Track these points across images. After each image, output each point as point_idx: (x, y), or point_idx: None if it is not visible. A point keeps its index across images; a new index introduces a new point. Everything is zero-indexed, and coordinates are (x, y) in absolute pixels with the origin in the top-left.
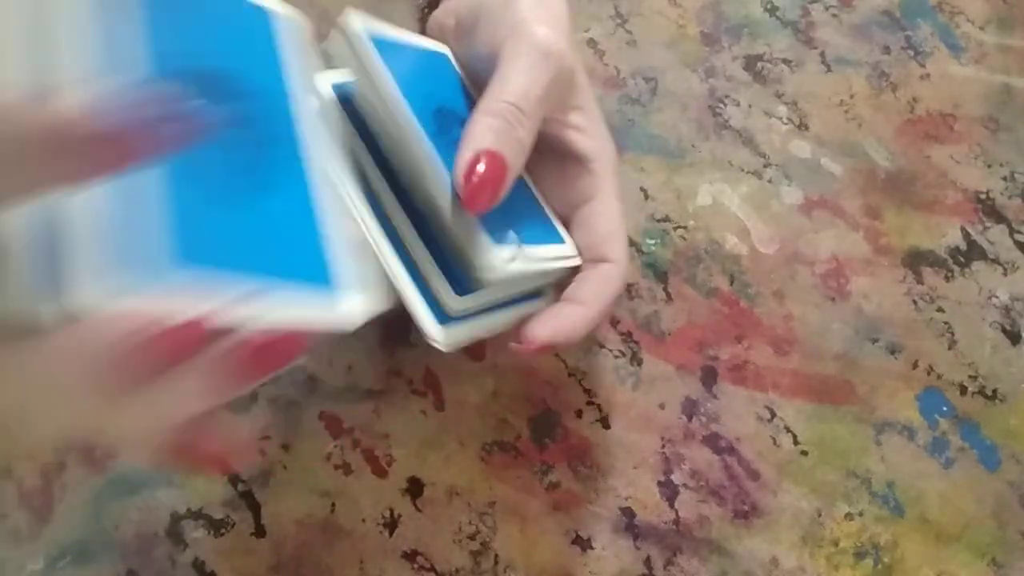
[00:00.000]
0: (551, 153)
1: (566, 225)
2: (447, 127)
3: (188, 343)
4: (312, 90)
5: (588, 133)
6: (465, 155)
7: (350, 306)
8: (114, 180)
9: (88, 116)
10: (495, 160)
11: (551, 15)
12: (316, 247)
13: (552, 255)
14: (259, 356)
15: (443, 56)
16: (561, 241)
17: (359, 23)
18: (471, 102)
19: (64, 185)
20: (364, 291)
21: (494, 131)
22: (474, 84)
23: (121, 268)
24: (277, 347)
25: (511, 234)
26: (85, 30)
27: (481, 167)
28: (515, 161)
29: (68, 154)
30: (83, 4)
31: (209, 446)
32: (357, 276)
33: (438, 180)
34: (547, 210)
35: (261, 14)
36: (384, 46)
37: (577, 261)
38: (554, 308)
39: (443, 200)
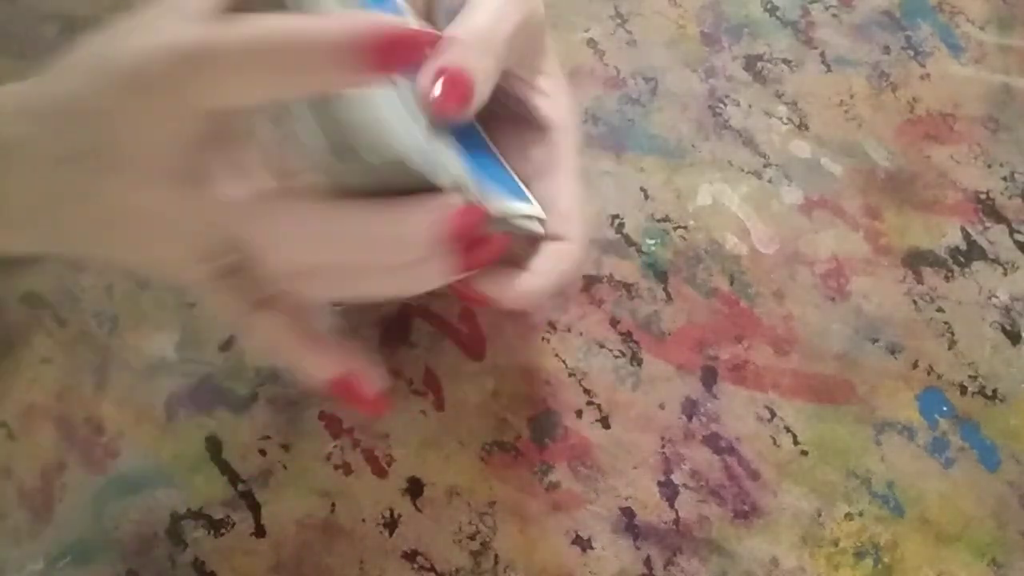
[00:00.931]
0: (511, 118)
1: None
2: None
3: (479, 222)
4: None
5: (553, 100)
6: (429, 67)
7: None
8: None
9: (389, 22)
10: (461, 74)
11: None
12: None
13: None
14: (475, 245)
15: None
16: (527, 200)
17: None
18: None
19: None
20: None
21: (460, 48)
22: None
23: None
24: (489, 245)
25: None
26: None
27: (443, 81)
28: (480, 82)
29: (384, 53)
30: None
31: (364, 386)
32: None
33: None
34: (510, 171)
35: None
36: None
37: (539, 223)
38: (503, 270)
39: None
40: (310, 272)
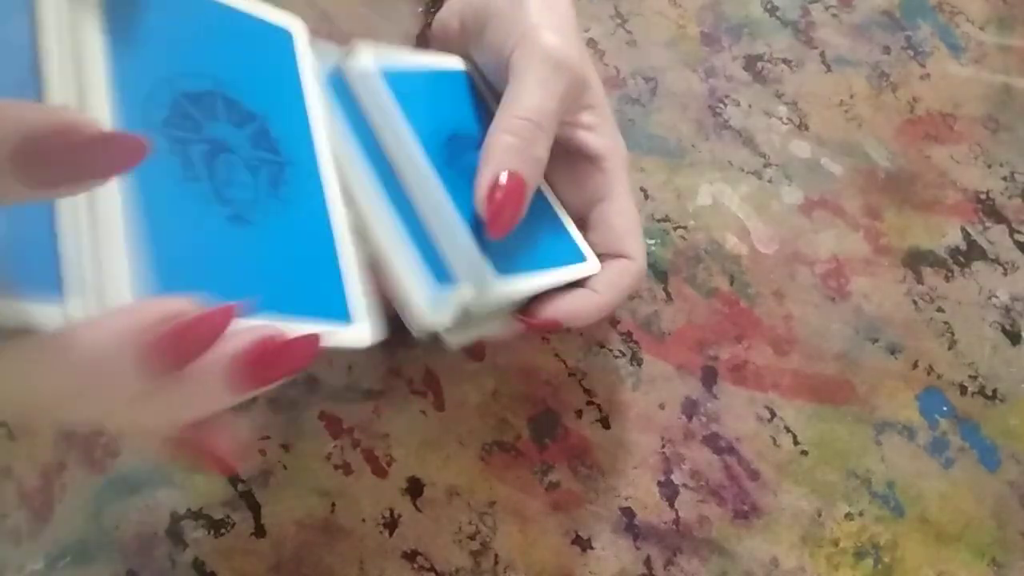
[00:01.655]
0: (563, 154)
1: (582, 225)
2: (459, 153)
3: (216, 329)
4: (324, 102)
5: (599, 131)
6: (485, 176)
7: (361, 331)
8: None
9: (85, 119)
10: (513, 180)
11: (559, 19)
12: (335, 276)
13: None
14: (279, 355)
15: (458, 74)
16: (580, 259)
17: (370, 59)
18: (488, 117)
19: (52, 190)
20: (372, 318)
21: (511, 150)
22: (483, 81)
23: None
24: (295, 348)
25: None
26: (101, 51)
27: (500, 192)
28: (533, 178)
29: (66, 153)
30: (96, 26)
31: (215, 444)
32: (367, 304)
33: (443, 219)
34: (566, 223)
35: (279, 32)
36: (396, 79)
37: (585, 272)
38: (569, 292)
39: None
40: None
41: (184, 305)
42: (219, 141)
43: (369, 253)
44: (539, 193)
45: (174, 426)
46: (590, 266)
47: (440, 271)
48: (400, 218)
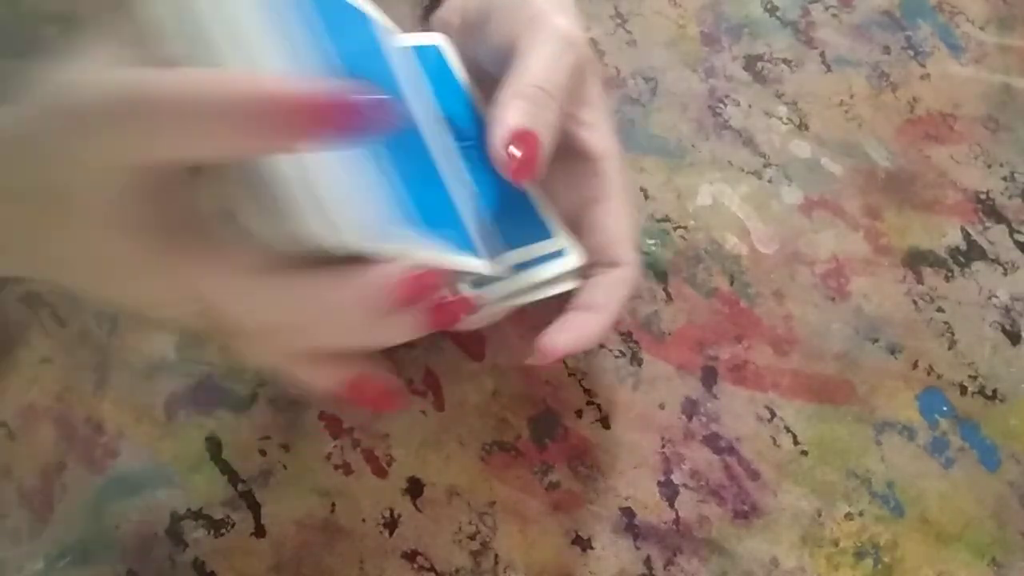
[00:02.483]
0: (559, 151)
1: (575, 227)
2: (444, 136)
3: (434, 287)
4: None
5: (598, 130)
6: (500, 133)
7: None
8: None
9: (294, 89)
10: (531, 137)
11: (567, 6)
12: (461, 222)
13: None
14: (453, 305)
15: (433, 48)
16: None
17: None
18: (465, 102)
19: (268, 150)
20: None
21: (525, 112)
22: (482, 81)
23: (367, 223)
24: (457, 303)
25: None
26: (266, 37)
27: (519, 148)
28: (547, 141)
29: (272, 122)
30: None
31: (380, 384)
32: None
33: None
34: (551, 218)
35: (363, 16)
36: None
37: (575, 262)
38: (568, 317)
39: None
40: (273, 330)
41: (416, 269)
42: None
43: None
44: (526, 195)
45: (388, 344)
46: (572, 260)
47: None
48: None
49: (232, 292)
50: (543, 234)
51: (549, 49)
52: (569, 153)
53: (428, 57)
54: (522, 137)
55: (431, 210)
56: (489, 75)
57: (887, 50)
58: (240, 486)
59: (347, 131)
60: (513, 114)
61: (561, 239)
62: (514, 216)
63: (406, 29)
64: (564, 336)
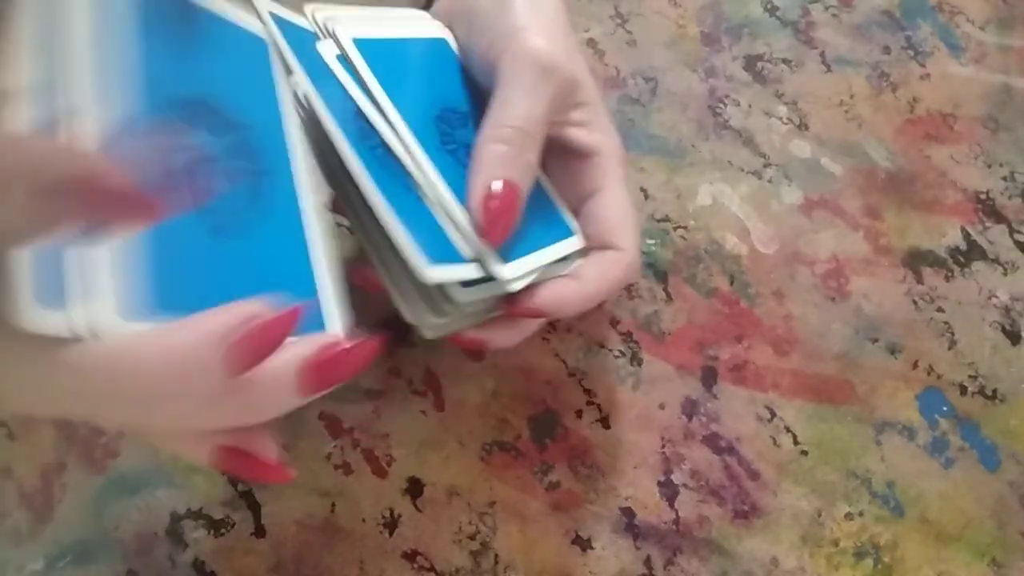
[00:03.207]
0: (555, 150)
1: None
2: (451, 130)
3: (287, 329)
4: (296, 110)
5: (591, 127)
6: (477, 185)
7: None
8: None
9: (112, 169)
10: (507, 187)
11: (546, 19)
12: (310, 288)
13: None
14: (343, 358)
15: (441, 42)
16: (569, 234)
17: (343, 28)
18: (472, 93)
19: (75, 227)
20: (341, 318)
21: (502, 158)
22: (467, 61)
23: (123, 296)
24: (356, 352)
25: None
26: (87, 49)
27: (495, 200)
28: (526, 184)
29: (90, 203)
30: (85, 23)
31: (262, 452)
32: (342, 316)
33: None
34: (557, 203)
35: (258, 42)
36: (372, 49)
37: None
38: (553, 281)
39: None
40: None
41: (258, 308)
42: (200, 151)
43: (363, 242)
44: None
45: (245, 423)
46: (574, 241)
47: (441, 252)
48: (396, 200)
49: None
50: (560, 228)
51: (527, 81)
52: (565, 153)
53: (435, 50)
54: (498, 192)
55: (276, 274)
56: (476, 82)
57: (887, 50)
58: (240, 486)
59: (137, 217)
60: (490, 167)
61: (575, 230)
62: (532, 215)
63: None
64: (543, 292)
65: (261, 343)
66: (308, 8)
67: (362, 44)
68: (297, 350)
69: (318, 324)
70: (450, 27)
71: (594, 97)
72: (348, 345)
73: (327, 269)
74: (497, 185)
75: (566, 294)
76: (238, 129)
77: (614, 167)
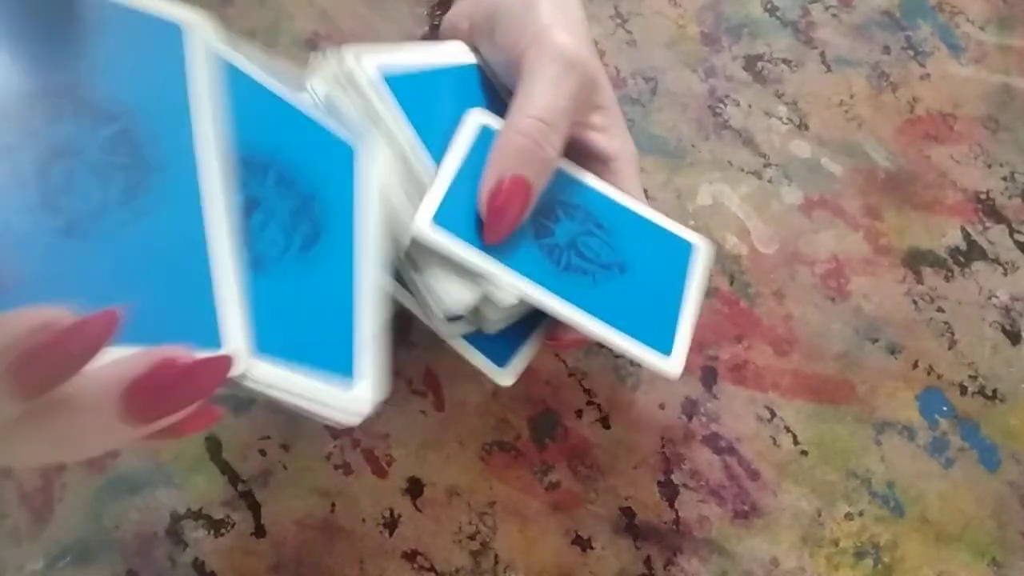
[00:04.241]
0: (573, 155)
1: None
2: (484, 151)
3: (96, 340)
4: (217, 102)
5: (609, 132)
6: (488, 179)
7: (359, 395)
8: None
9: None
10: (516, 183)
11: (571, 20)
12: (205, 295)
13: None
14: (181, 379)
15: (469, 68)
16: None
17: (370, 64)
18: (503, 111)
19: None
20: (373, 380)
21: (519, 152)
22: (493, 75)
23: None
24: (200, 371)
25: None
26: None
27: (501, 196)
28: (539, 180)
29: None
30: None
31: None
32: (373, 365)
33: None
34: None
35: (168, 27)
36: (400, 84)
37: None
38: None
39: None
40: None
41: (56, 314)
42: (59, 144)
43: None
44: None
45: (67, 461)
46: (671, 364)
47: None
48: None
49: None
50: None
51: (551, 74)
52: (583, 156)
53: (466, 76)
54: (505, 189)
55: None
56: (498, 79)
57: (887, 50)
58: (240, 486)
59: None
60: (504, 156)
61: (676, 352)
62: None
63: (405, 27)
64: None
65: (56, 357)
66: (344, 55)
67: (390, 75)
68: (124, 365)
69: (212, 340)
70: (472, 27)
71: (613, 101)
72: (191, 361)
73: (231, 276)
74: (508, 180)
75: None
76: (119, 120)
77: (631, 174)
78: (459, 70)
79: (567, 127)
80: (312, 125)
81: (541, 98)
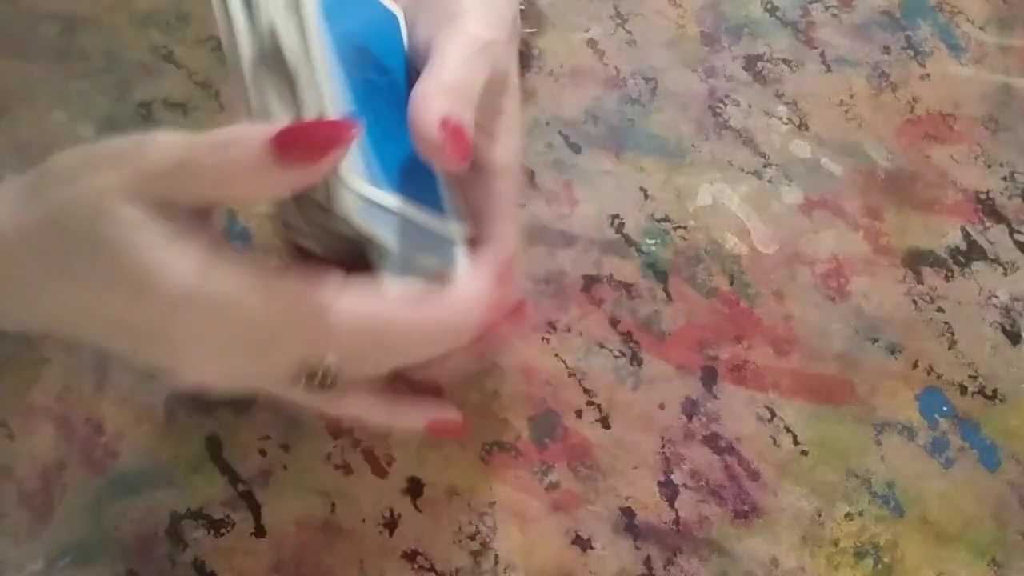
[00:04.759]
0: None
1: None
2: (364, 67)
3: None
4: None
5: (500, 143)
6: (422, 118)
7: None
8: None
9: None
10: (454, 120)
11: (494, 15)
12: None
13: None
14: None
15: (393, 17)
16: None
17: None
18: (406, 66)
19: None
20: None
21: (440, 103)
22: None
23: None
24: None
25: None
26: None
27: (447, 127)
28: (469, 130)
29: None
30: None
31: (451, 420)
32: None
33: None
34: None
35: None
36: None
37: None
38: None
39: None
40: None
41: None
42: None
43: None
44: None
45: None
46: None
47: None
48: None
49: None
50: (439, 209)
51: (462, 53)
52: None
53: (385, 19)
54: (451, 125)
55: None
56: (415, 71)
57: (887, 50)
58: (240, 486)
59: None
60: (441, 102)
61: (454, 228)
62: (416, 178)
63: None
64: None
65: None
66: None
67: None
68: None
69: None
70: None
71: (514, 113)
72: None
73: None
74: (444, 119)
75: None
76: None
77: (507, 194)
78: (385, 10)
79: (475, 105)
80: None
81: (453, 71)
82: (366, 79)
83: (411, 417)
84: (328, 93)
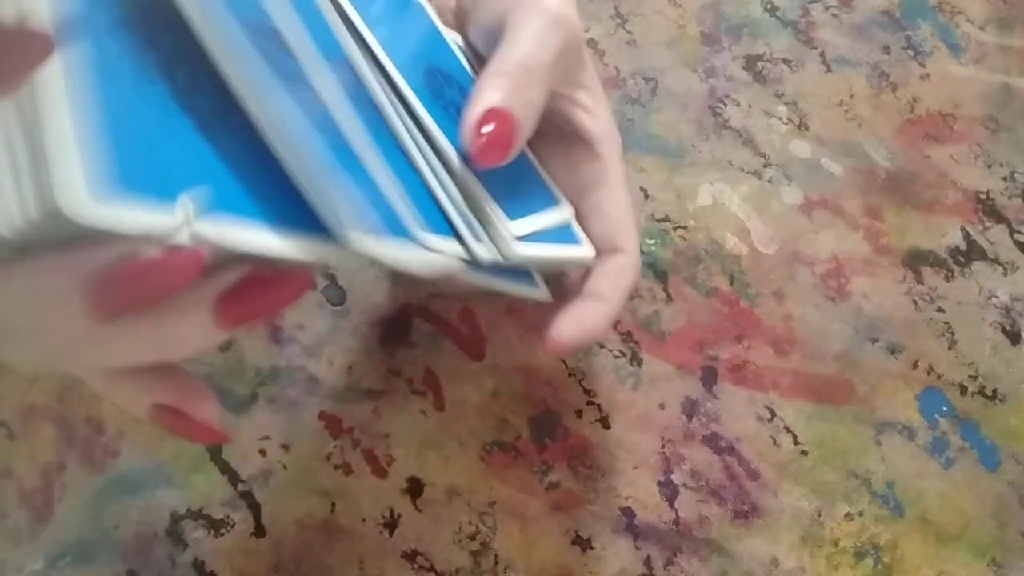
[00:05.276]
0: (557, 134)
1: (576, 214)
2: (440, 89)
3: (182, 273)
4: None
5: (596, 114)
6: (474, 111)
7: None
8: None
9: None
10: (505, 117)
11: None
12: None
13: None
14: (270, 287)
15: (417, 4)
16: (574, 240)
17: None
18: (459, 62)
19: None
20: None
21: (503, 89)
22: (476, 63)
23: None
24: (287, 281)
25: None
26: None
27: (490, 126)
28: (526, 121)
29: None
30: None
31: (198, 412)
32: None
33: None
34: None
35: None
36: None
37: (590, 260)
38: (576, 306)
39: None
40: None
41: (145, 248)
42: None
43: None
44: (528, 163)
45: (159, 359)
46: (587, 250)
47: (429, 219)
48: (380, 151)
49: None
50: (548, 202)
51: (535, 27)
52: (567, 137)
53: (409, 7)
54: (496, 116)
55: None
56: (481, 58)
57: (887, 50)
58: (240, 486)
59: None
60: (490, 93)
61: (565, 210)
62: (515, 185)
63: None
64: (570, 327)
65: (135, 288)
66: None
67: None
68: (216, 280)
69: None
70: (458, 4)
71: (597, 84)
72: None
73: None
74: (494, 112)
75: (595, 321)
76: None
77: (616, 161)
78: (437, 31)
79: (548, 82)
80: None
81: (524, 47)
82: (442, 106)
83: (134, 395)
84: None
